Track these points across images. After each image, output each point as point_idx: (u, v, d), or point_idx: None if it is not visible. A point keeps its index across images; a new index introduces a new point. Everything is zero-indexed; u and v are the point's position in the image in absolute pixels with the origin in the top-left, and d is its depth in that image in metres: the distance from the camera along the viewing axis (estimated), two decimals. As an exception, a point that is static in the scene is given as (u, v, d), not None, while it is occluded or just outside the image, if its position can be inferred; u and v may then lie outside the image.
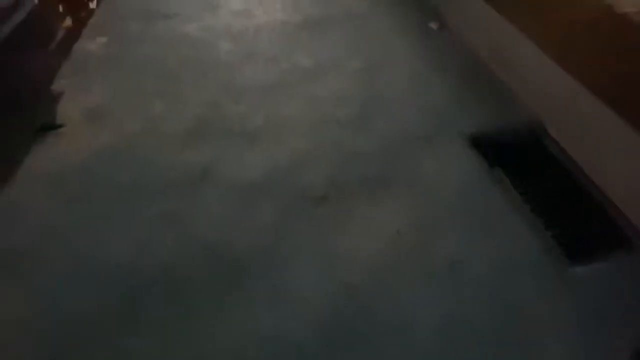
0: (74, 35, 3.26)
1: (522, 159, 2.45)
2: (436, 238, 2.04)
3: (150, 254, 1.95)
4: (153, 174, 2.29)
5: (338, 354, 1.68)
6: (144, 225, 2.05)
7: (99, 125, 2.56)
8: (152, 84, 2.86)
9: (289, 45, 3.25)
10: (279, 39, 3.31)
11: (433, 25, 3.44)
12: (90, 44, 3.21)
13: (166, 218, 2.08)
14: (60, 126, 2.55)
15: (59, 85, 2.83)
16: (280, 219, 2.09)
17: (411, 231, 2.07)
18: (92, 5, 3.29)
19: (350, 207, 2.15)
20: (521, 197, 2.22)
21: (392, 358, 1.67)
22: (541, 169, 2.40)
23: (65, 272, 1.89)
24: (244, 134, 2.53)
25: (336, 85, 2.91)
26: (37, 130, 2.52)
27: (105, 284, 1.85)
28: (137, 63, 3.04)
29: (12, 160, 2.35)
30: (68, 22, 3.31)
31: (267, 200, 2.17)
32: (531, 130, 2.61)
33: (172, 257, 1.94)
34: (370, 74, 3.03)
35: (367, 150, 2.46)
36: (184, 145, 2.45)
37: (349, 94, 2.85)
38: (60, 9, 3.21)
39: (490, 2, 3.04)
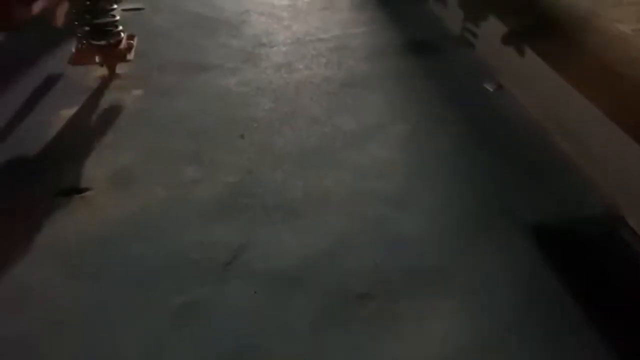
0: (108, 86, 3.14)
1: (595, 255, 2.12)
2: (499, 355, 1.73)
3: (166, 357, 1.70)
4: (176, 254, 2.06)
5: None
6: (162, 319, 1.81)
7: (125, 192, 2.38)
8: (185, 145, 2.68)
9: (332, 105, 3.04)
10: (321, 97, 3.11)
11: (489, 87, 3.18)
12: (125, 96, 3.07)
13: (187, 312, 1.83)
14: (84, 190, 2.37)
15: (88, 141, 2.68)
16: (317, 320, 1.82)
17: (469, 343, 1.76)
18: (130, 56, 3.17)
19: (397, 308, 1.87)
20: (599, 308, 1.89)
21: None
22: (620, 270, 2.06)
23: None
24: (279, 208, 2.29)
25: (381, 153, 2.67)
26: (60, 194, 2.35)
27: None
28: (171, 120, 2.87)
29: (29, 227, 2.18)
30: (104, 72, 3.19)
31: (303, 295, 1.90)
32: (605, 218, 2.29)
33: (191, 364, 1.69)
34: (418, 140, 2.78)
35: (414, 234, 2.19)
36: (213, 220, 2.23)
37: (394, 164, 2.60)
38: (97, 59, 3.10)
39: (553, 67, 2.77)
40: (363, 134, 2.80)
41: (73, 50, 3.14)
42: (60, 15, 2.70)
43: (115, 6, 3.14)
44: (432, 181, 2.50)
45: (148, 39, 3.66)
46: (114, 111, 2.95)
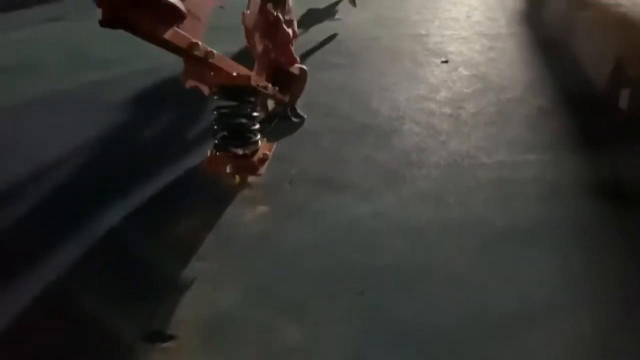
0: (234, 198, 2.90)
1: None
2: None
3: None
4: None
5: None
6: None
7: (211, 352, 2.00)
8: (294, 292, 2.24)
9: (484, 264, 2.37)
10: (471, 250, 2.46)
11: None
12: (247, 213, 2.79)
13: None
14: (169, 338, 2.05)
15: (195, 268, 2.41)
16: None
17: None
18: (262, 171, 2.91)
19: None
20: None
21: None
22: None
23: None
24: None
25: (546, 354, 1.92)
26: (145, 338, 2.06)
27: None
28: (288, 253, 2.48)
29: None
30: (235, 181, 2.98)
31: None
32: None
33: None
34: (606, 345, 1.97)
35: None
36: None
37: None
38: (228, 169, 2.88)
39: None
40: (522, 320, 2.07)
41: (208, 153, 2.99)
42: (206, 88, 2.76)
43: (257, 114, 2.95)
44: None
45: (289, 142, 3.44)
46: (232, 231, 2.66)
